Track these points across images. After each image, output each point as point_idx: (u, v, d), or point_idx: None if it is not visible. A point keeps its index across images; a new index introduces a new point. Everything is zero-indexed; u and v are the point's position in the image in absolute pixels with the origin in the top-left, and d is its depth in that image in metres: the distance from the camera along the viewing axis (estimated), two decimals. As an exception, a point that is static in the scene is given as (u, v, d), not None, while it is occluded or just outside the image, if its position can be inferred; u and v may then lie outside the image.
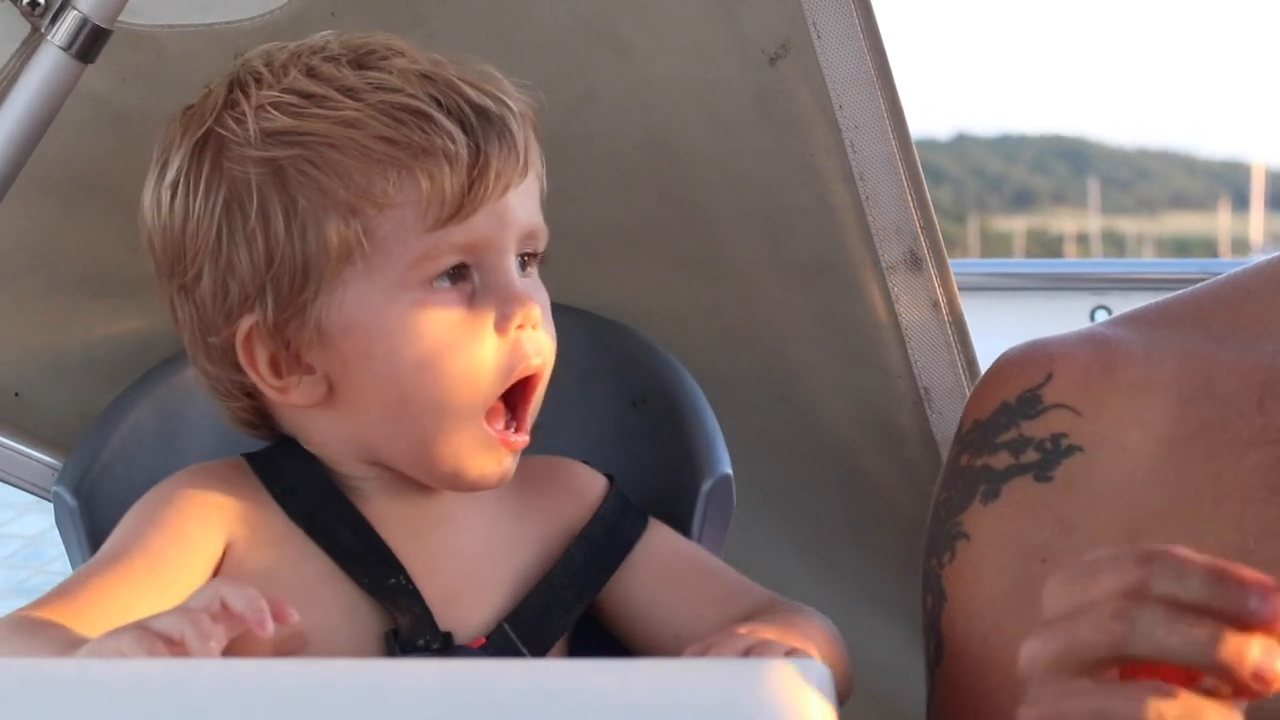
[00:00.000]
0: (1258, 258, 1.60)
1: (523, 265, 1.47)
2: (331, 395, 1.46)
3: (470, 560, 1.50)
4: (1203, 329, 1.54)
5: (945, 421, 1.77)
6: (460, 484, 1.47)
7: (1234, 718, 1.05)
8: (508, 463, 1.47)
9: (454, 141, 1.42)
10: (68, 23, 1.57)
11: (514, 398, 1.47)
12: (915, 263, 1.74)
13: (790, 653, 1.35)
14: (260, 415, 1.52)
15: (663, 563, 1.55)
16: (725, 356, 1.83)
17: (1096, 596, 1.06)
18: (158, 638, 1.19)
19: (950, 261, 1.75)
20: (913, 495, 1.82)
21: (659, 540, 1.56)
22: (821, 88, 1.67)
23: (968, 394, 1.69)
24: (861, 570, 1.93)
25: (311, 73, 1.45)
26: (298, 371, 1.46)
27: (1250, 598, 1.04)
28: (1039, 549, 1.51)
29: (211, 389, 1.52)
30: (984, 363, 1.65)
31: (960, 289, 1.76)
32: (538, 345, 1.46)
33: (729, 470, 1.65)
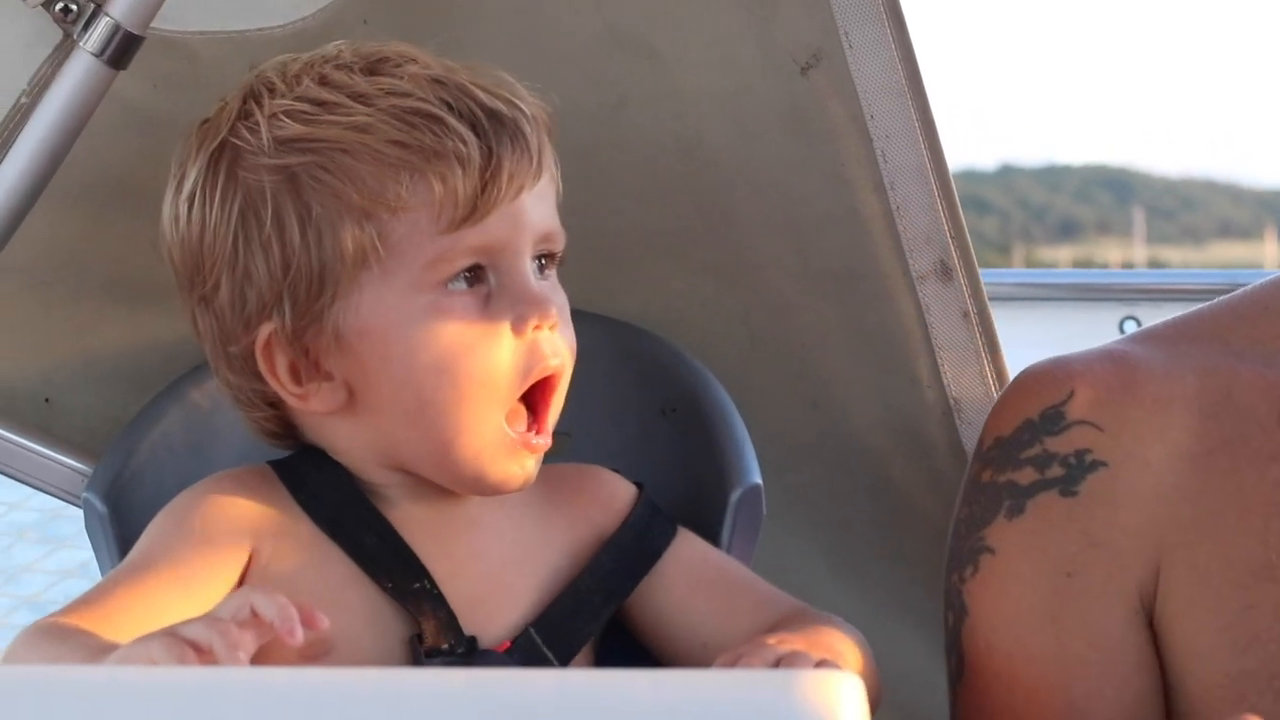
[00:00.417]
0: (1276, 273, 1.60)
1: (540, 267, 1.47)
2: (352, 401, 1.46)
3: (496, 565, 1.50)
4: (1221, 344, 1.54)
5: (974, 432, 1.76)
6: (483, 488, 1.47)
7: None
8: (530, 465, 1.47)
9: (465, 144, 1.42)
10: (100, 29, 1.58)
11: (533, 399, 1.46)
12: (946, 272, 1.73)
13: (821, 663, 1.35)
14: (284, 425, 1.52)
15: (691, 571, 1.54)
16: (755, 365, 1.82)
17: None
18: (187, 645, 1.19)
19: (980, 271, 1.75)
20: (941, 505, 1.81)
21: (688, 548, 1.56)
22: (853, 97, 1.67)
23: (997, 405, 1.69)
24: (890, 579, 1.93)
25: (324, 81, 1.46)
26: (317, 378, 1.46)
27: None
28: (1065, 563, 1.51)
29: (235, 400, 1.52)
30: (1013, 373, 1.65)
31: (990, 299, 1.76)
32: (555, 346, 1.46)
33: (758, 480, 1.65)
